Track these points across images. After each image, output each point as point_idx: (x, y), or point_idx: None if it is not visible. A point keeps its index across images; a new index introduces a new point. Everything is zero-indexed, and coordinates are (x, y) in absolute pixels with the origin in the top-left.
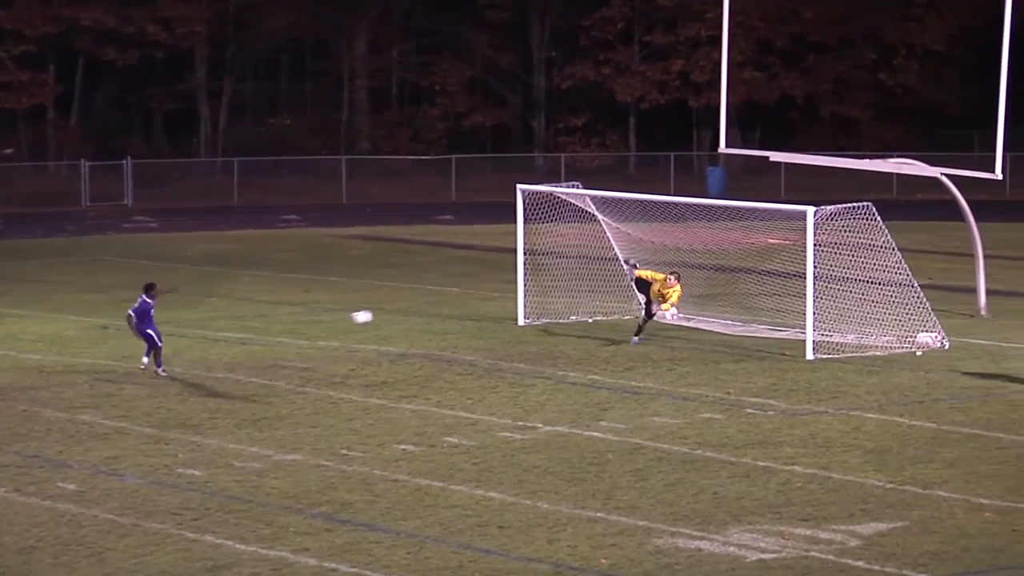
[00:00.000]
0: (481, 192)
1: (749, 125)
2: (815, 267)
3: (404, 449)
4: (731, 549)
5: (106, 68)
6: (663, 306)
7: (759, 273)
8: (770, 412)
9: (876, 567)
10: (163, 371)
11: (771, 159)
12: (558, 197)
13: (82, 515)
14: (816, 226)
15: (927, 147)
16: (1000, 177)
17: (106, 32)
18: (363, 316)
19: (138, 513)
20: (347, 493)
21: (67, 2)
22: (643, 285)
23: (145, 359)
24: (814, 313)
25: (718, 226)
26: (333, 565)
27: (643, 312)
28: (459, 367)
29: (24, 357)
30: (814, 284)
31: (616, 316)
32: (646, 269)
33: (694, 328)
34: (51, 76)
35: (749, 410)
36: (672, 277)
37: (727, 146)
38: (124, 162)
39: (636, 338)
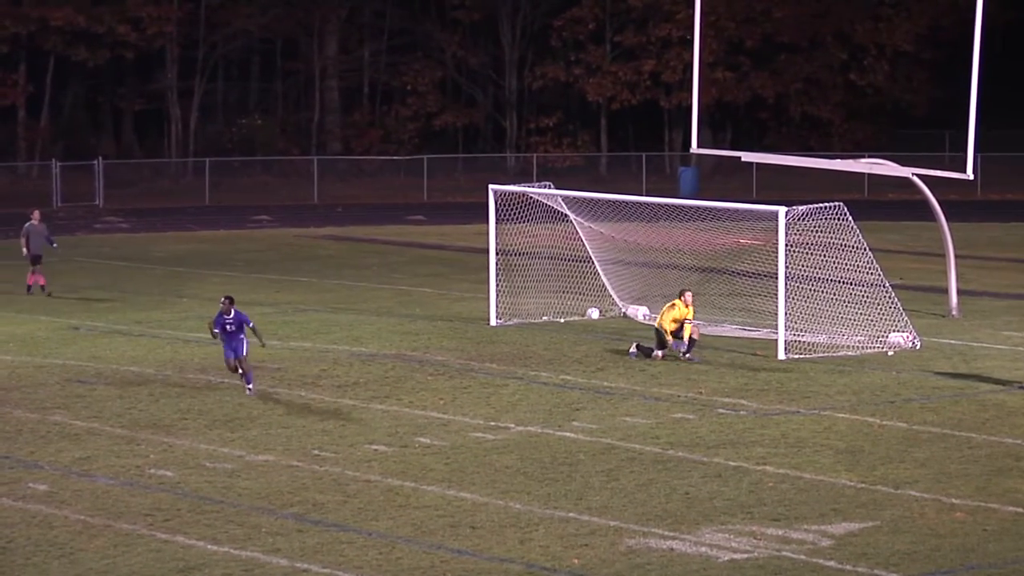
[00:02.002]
0: (452, 192)
1: (720, 125)
2: (787, 267)
3: (376, 449)
4: (703, 549)
5: (76, 68)
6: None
7: (731, 273)
8: (742, 412)
9: (847, 567)
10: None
11: (743, 159)
12: (530, 197)
13: (53, 516)
14: (788, 226)
15: (897, 147)
16: (971, 177)
17: (76, 32)
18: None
19: (109, 514)
20: (319, 494)
21: (37, 2)
22: (661, 334)
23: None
24: (786, 313)
25: (690, 226)
26: (305, 566)
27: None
28: (431, 367)
29: None
30: (786, 284)
31: (587, 317)
32: (668, 314)
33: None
34: (21, 76)
35: (721, 410)
36: (687, 295)
37: (698, 146)
38: (95, 162)
39: (660, 352)
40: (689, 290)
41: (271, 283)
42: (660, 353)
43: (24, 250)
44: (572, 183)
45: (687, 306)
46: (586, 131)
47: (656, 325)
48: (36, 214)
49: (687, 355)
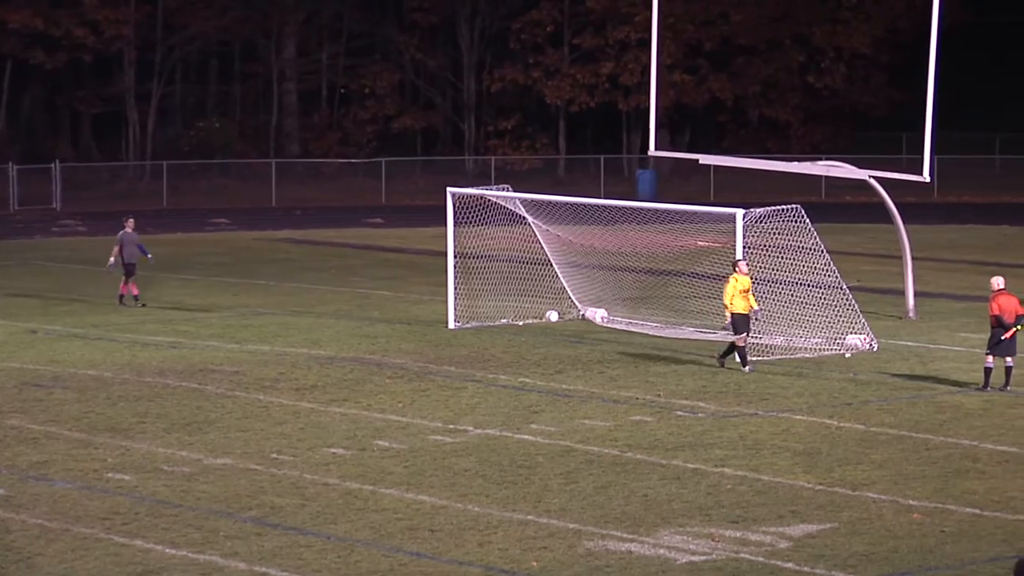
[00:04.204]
0: (411, 195)
1: (678, 128)
2: None
3: (334, 453)
4: (661, 551)
5: (34, 71)
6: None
7: (689, 276)
8: (700, 414)
9: (806, 568)
10: None
11: (700, 162)
12: (488, 200)
13: (11, 520)
14: (745, 228)
15: (855, 149)
16: (928, 180)
17: (34, 35)
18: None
19: (67, 518)
20: (277, 497)
21: None
22: (741, 319)
23: None
24: None
25: (648, 228)
26: (263, 569)
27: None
28: (389, 370)
29: None
30: None
31: (546, 319)
32: (734, 291)
33: (624, 331)
34: None
35: (679, 412)
36: (741, 264)
37: (656, 149)
38: (52, 166)
39: (751, 366)
40: (742, 259)
41: (229, 286)
42: (745, 335)
43: (112, 259)
44: (530, 186)
45: (746, 274)
46: (544, 134)
47: (728, 312)
48: (130, 222)
49: (747, 368)
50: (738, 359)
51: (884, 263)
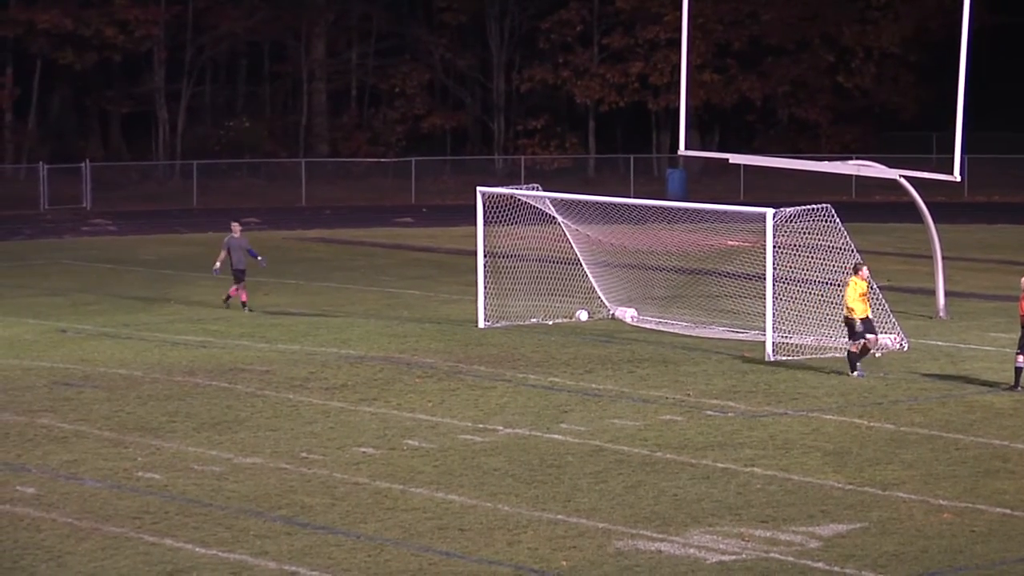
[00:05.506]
0: (441, 194)
1: (708, 128)
2: (774, 269)
3: (364, 452)
4: (691, 551)
5: (63, 71)
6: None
7: (718, 275)
8: (730, 414)
9: (836, 568)
10: None
11: (730, 161)
12: (518, 199)
13: (41, 519)
14: (775, 228)
15: (885, 149)
16: (958, 179)
17: (63, 35)
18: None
19: (97, 517)
20: (307, 496)
21: (24, 5)
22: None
23: None
24: (773, 315)
25: (678, 228)
26: (293, 568)
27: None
28: (419, 370)
29: None
30: (773, 286)
31: (576, 319)
32: (853, 295)
33: (654, 330)
34: (8, 79)
35: (709, 412)
36: (864, 270)
37: (686, 148)
38: (83, 165)
39: (860, 371)
40: (864, 264)
41: (259, 285)
42: (870, 338)
43: (218, 263)
44: (560, 185)
45: (865, 279)
46: (574, 133)
47: (854, 316)
48: (236, 226)
49: (856, 373)
50: (856, 355)
51: (914, 263)
